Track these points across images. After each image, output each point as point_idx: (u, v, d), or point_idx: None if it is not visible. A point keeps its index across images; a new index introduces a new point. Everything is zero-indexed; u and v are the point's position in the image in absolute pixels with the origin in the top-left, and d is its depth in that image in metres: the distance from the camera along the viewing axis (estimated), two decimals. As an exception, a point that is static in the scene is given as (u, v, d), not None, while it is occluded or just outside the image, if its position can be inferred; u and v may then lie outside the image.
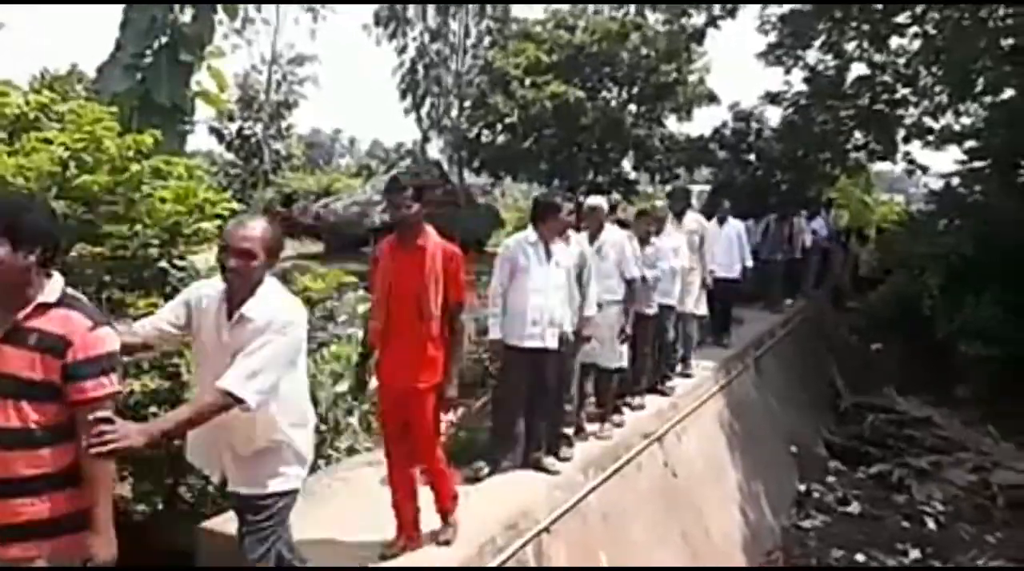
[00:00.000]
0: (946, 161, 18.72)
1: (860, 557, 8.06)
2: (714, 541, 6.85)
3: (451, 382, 4.06)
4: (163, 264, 4.84)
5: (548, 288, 4.94)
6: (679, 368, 7.96)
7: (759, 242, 12.23)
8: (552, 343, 4.97)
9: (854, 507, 9.29)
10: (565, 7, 23.80)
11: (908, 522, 8.94)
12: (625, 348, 6.10)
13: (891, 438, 11.15)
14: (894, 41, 15.89)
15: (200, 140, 35.99)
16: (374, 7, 29.72)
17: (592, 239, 5.94)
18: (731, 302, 9.98)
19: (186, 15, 6.28)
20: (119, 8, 6.47)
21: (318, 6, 30.03)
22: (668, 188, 17.94)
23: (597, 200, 6.25)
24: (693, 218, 8.67)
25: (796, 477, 9.80)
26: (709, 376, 8.37)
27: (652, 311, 6.73)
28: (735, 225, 10.11)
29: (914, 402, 12.19)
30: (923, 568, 7.97)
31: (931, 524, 8.91)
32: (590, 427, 6.03)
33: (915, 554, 8.14)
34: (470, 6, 28.78)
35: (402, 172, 4.97)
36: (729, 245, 9.78)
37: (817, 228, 14.21)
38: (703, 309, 8.63)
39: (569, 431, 5.50)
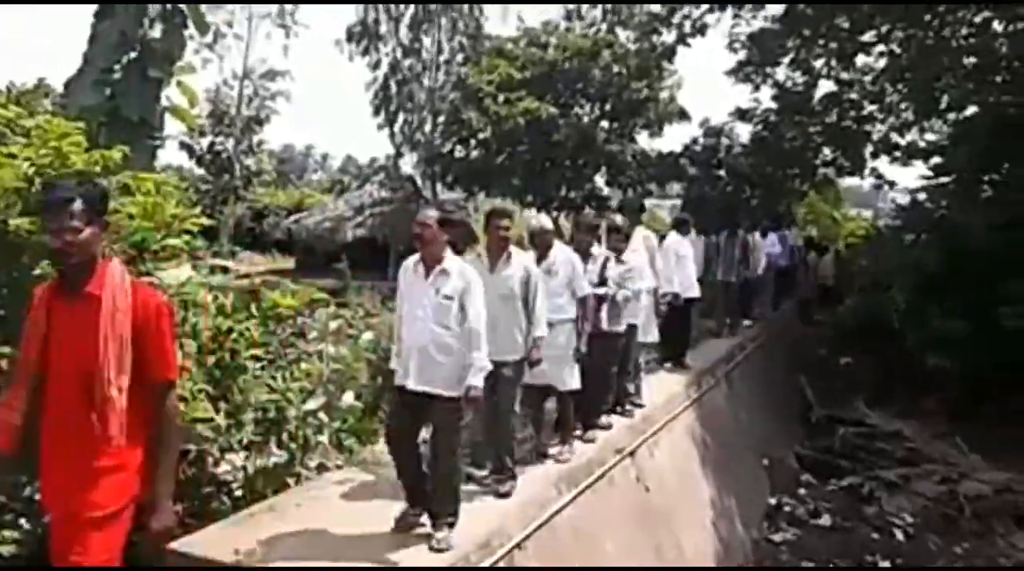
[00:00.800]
0: (913, 176, 19.07)
1: (831, 569, 8.12)
2: (686, 555, 6.85)
3: (163, 503, 2.97)
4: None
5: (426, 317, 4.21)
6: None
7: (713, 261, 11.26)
8: (422, 386, 4.19)
9: (825, 519, 9.37)
10: (537, 23, 24.02)
11: (878, 534, 9.03)
12: (577, 369, 5.69)
13: (861, 450, 11.26)
14: (861, 59, 16.23)
15: (170, 155, 35.70)
16: (349, 22, 29.73)
17: (541, 259, 5.61)
18: (690, 323, 9.51)
19: (156, 30, 6.23)
20: (87, 23, 6.42)
21: (290, 22, 29.94)
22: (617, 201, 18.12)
23: (543, 219, 5.99)
24: (644, 235, 7.98)
25: (767, 490, 9.86)
26: (680, 391, 8.40)
27: (620, 329, 6.51)
28: (695, 241, 9.87)
29: (883, 415, 12.34)
30: (921, 568, 8.03)
31: (900, 535, 9.01)
32: (552, 449, 5.81)
33: (885, 565, 8.21)
34: (442, 22, 28.89)
35: (60, 182, 3.69)
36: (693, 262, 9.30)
37: (770, 246, 13.38)
38: (654, 335, 7.90)
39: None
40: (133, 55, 6.31)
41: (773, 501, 9.67)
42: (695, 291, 9.14)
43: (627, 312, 6.64)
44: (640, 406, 7.31)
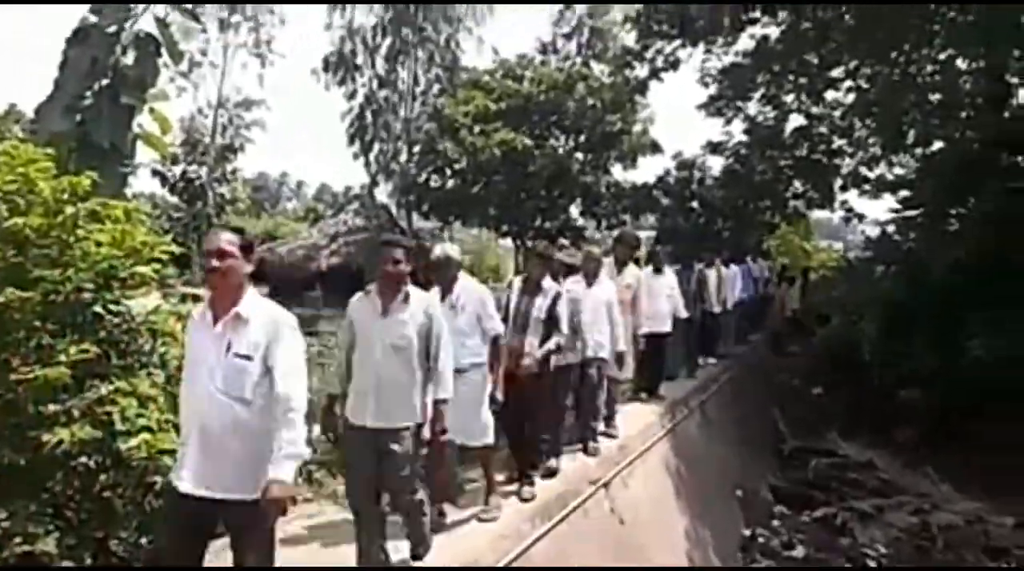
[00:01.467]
0: (882, 209, 19.39)
1: (805, 602, 8.08)
2: (661, 588, 6.80)
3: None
4: (97, 309, 4.70)
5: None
6: (602, 427, 7.25)
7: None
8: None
9: (799, 551, 9.34)
10: (512, 56, 24.27)
11: (851, 565, 9.01)
12: (491, 420, 5.12)
13: (834, 481, 11.27)
14: (830, 94, 16.53)
15: (143, 183, 35.45)
16: (325, 52, 29.86)
17: (445, 294, 4.97)
18: (664, 356, 9.44)
19: (129, 57, 6.20)
20: (59, 48, 6.37)
21: (266, 51, 30.00)
22: (615, 232, 18.10)
23: (448, 248, 5.16)
24: (633, 273, 8.03)
25: (742, 522, 9.83)
26: (655, 421, 8.39)
27: (573, 359, 6.22)
28: (670, 275, 9.62)
29: (856, 446, 12.39)
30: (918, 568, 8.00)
31: (872, 565, 9.00)
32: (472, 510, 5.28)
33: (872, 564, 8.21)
34: (419, 54, 29.11)
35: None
36: (666, 296, 9.20)
37: (731, 279, 12.76)
38: (628, 373, 7.91)
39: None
40: (105, 82, 6.27)
41: (747, 532, 9.63)
42: (667, 325, 9.12)
43: (592, 345, 6.54)
44: (613, 437, 7.30)
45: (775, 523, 10.12)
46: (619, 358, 7.11)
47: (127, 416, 4.38)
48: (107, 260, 4.62)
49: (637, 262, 8.66)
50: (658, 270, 9.33)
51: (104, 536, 4.71)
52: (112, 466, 4.62)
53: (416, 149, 27.42)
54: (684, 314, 9.60)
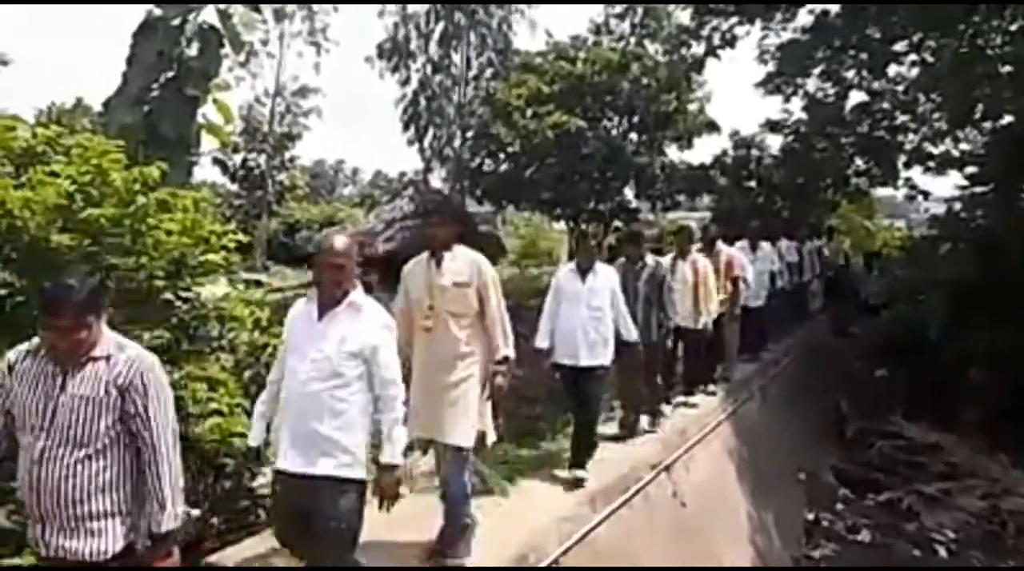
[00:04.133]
0: (947, 186, 18.84)
1: (871, 587, 7.96)
2: (723, 572, 6.77)
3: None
4: (169, 296, 4.84)
5: None
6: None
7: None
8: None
9: (864, 535, 9.20)
10: (566, 37, 24.07)
11: (918, 550, 8.85)
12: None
13: (900, 465, 11.06)
14: (892, 69, 16.02)
15: (204, 172, 36.26)
16: (378, 39, 30.04)
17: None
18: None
19: (193, 49, 6.34)
20: (126, 43, 6.54)
21: (321, 39, 30.27)
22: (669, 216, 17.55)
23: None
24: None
25: (805, 505, 9.71)
26: (716, 405, 8.32)
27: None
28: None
29: (921, 428, 12.12)
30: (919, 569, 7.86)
31: (942, 552, 8.82)
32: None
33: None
34: (471, 38, 29.09)
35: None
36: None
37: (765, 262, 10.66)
38: None
39: None
40: (170, 74, 6.42)
41: (811, 516, 9.52)
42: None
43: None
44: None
45: (839, 507, 9.98)
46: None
47: (198, 400, 4.52)
48: (177, 248, 4.75)
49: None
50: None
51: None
52: (184, 449, 4.77)
53: (469, 134, 27.45)
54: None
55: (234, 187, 32.11)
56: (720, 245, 8.91)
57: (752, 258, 10.11)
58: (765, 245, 10.89)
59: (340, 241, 3.48)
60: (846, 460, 11.44)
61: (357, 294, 3.45)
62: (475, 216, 27.76)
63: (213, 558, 4.18)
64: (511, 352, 4.36)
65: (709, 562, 6.57)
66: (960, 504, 9.88)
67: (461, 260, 4.32)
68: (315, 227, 31.44)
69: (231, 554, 4.25)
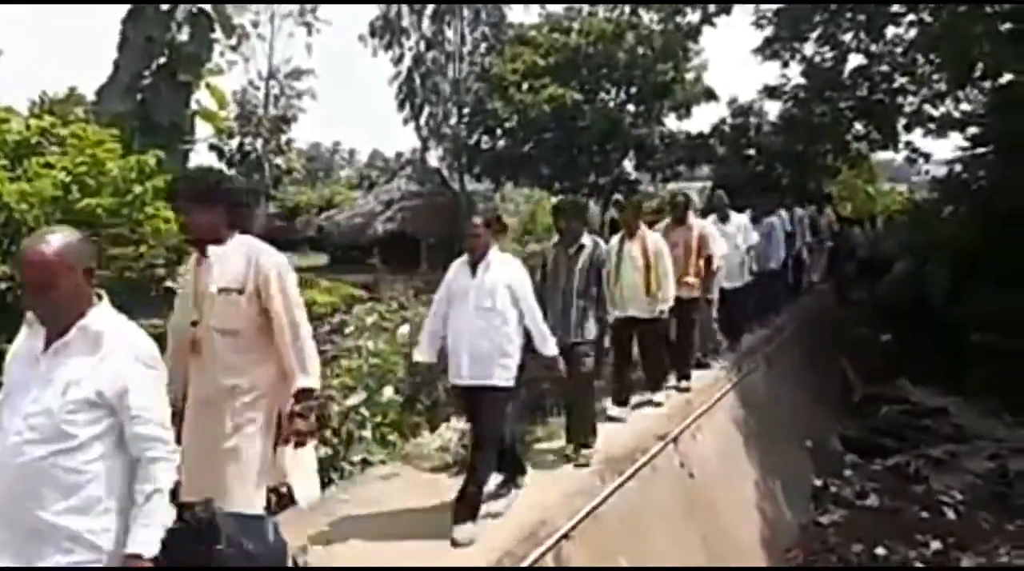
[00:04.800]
0: (948, 148, 18.70)
1: (880, 550, 7.99)
2: (733, 541, 6.79)
3: None
4: (170, 284, 4.83)
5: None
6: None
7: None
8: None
9: (872, 500, 9.22)
10: (559, 8, 23.88)
11: (927, 513, 8.86)
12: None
13: (906, 429, 11.09)
14: (890, 30, 15.90)
15: (201, 158, 36.06)
16: (370, 17, 29.79)
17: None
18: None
19: (183, 34, 6.27)
20: (116, 30, 6.48)
21: (312, 19, 30.02)
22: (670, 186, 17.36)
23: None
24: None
25: (812, 472, 9.74)
26: (721, 374, 8.33)
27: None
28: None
29: (927, 392, 12.14)
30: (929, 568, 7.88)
31: (950, 514, 8.84)
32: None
33: (936, 545, 8.07)
34: (465, 13, 28.84)
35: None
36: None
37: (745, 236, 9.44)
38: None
39: None
40: (162, 60, 6.36)
41: (818, 483, 9.54)
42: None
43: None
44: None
45: (847, 472, 10.01)
46: None
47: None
48: (176, 236, 4.73)
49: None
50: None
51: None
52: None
53: (465, 110, 27.30)
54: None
55: (231, 173, 31.98)
56: (692, 218, 7.77)
57: (722, 232, 8.71)
58: (737, 217, 9.36)
59: (43, 247, 2.35)
60: (853, 426, 11.46)
61: (93, 315, 2.45)
62: (474, 194, 27.59)
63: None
64: (314, 382, 3.31)
65: (718, 532, 6.60)
66: (967, 466, 9.91)
67: (234, 256, 3.29)
68: (314, 210, 31.39)
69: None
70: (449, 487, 4.74)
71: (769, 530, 7.53)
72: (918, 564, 7.77)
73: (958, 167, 14.53)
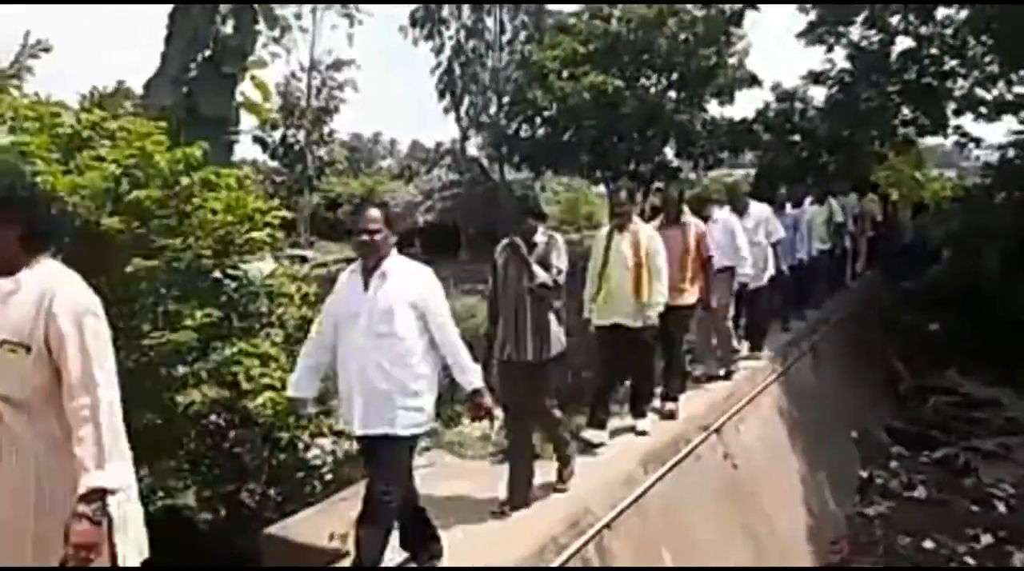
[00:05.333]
0: (1000, 132, 18.14)
1: (928, 543, 7.87)
2: (777, 532, 6.73)
3: None
4: (217, 274, 4.91)
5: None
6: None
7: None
8: None
9: (919, 492, 9.08)
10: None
11: (977, 506, 8.70)
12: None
13: (955, 420, 10.88)
14: (940, 12, 15.48)
15: (244, 149, 36.50)
16: (410, 8, 29.83)
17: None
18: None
19: (228, 27, 6.35)
20: (162, 23, 6.58)
21: (354, 11, 30.14)
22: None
23: None
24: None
25: (858, 463, 9.61)
26: (765, 364, 8.22)
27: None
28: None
29: (977, 383, 11.90)
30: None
31: (1001, 507, 8.67)
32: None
33: (987, 539, 7.91)
34: (505, 3, 28.74)
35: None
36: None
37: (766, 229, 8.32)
38: None
39: None
40: (207, 53, 6.44)
41: (864, 474, 9.41)
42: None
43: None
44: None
45: (893, 464, 9.86)
46: None
47: (251, 376, 4.60)
48: (223, 227, 4.81)
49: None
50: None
51: (236, 489, 4.99)
52: (240, 424, 4.88)
53: (505, 99, 27.24)
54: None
55: (274, 164, 32.35)
56: (687, 215, 6.53)
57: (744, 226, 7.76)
58: (757, 209, 8.30)
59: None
60: (900, 417, 11.27)
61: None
62: (513, 183, 27.55)
63: (272, 529, 4.26)
64: (112, 479, 2.38)
65: (762, 523, 6.54)
66: (1019, 459, 9.69)
67: (25, 296, 2.45)
68: (356, 201, 31.62)
69: (289, 525, 4.33)
70: (490, 474, 4.77)
71: (814, 521, 7.45)
72: (968, 559, 7.64)
73: (1011, 152, 14.13)
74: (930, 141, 20.54)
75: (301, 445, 5.16)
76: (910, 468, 9.76)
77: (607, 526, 4.57)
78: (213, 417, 4.79)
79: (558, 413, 4.76)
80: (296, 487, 5.11)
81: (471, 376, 3.62)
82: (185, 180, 4.71)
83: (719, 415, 6.62)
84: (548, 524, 4.29)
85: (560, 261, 4.44)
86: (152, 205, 4.62)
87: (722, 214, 7.41)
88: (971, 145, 17.06)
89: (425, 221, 25.56)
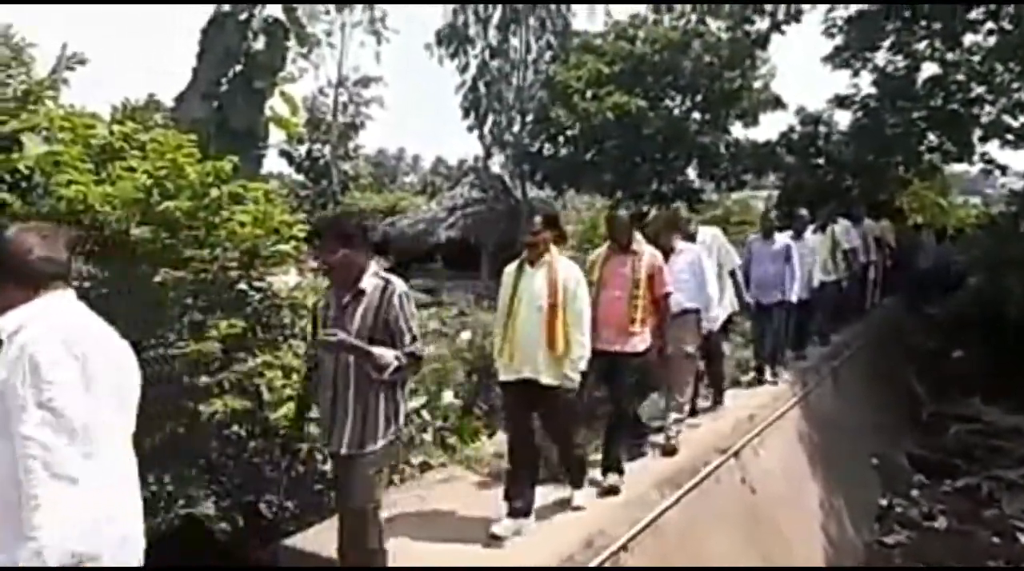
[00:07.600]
0: (1027, 160, 17.93)
1: (948, 575, 7.76)
2: (795, 559, 6.67)
3: None
4: (242, 286, 4.97)
5: None
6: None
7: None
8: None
9: (940, 522, 8.96)
10: (625, 18, 23.79)
11: (999, 538, 8.57)
12: None
13: (978, 449, 10.73)
14: (968, 38, 15.42)
15: (271, 162, 36.88)
16: (437, 26, 30.10)
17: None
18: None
19: (259, 43, 6.46)
20: (194, 39, 6.71)
21: (382, 28, 30.50)
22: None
23: None
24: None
25: (878, 491, 9.50)
26: (786, 388, 8.18)
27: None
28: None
29: (1001, 411, 11.72)
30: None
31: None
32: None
33: (1008, 572, 7.80)
34: (530, 22, 28.93)
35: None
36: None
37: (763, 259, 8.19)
38: None
39: None
40: (238, 68, 6.56)
41: (884, 502, 9.31)
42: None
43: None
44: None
45: (914, 493, 9.73)
46: None
47: (273, 387, 4.64)
48: (250, 239, 4.88)
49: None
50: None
51: (254, 500, 5.02)
52: (261, 434, 4.92)
53: (529, 118, 27.37)
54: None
55: (300, 178, 32.68)
56: (639, 242, 5.46)
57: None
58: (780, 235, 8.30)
59: None
60: (921, 445, 11.14)
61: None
62: (535, 201, 27.65)
63: (288, 541, 4.29)
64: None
65: (779, 548, 6.49)
66: (1044, 490, 9.55)
67: None
68: (379, 216, 31.83)
69: (305, 537, 4.36)
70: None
71: (833, 549, 7.37)
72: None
73: (1038, 180, 14.01)
74: (956, 167, 20.43)
75: (320, 457, 5.19)
76: (931, 497, 9.64)
77: (623, 547, 4.57)
78: (235, 428, 4.84)
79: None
80: (313, 499, 5.14)
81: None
82: (214, 192, 4.78)
83: (737, 438, 6.58)
84: (564, 543, 4.30)
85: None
86: (181, 216, 4.70)
87: (647, 247, 5.51)
88: (997, 172, 16.97)
89: (446, 237, 25.66)
